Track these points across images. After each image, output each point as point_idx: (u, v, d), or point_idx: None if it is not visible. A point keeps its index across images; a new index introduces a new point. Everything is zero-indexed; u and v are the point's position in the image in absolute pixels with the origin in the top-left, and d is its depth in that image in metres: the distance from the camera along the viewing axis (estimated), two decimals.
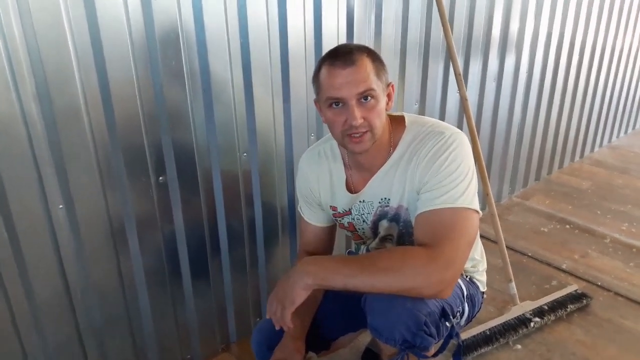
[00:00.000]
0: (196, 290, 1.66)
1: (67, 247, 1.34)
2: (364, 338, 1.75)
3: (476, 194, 1.13)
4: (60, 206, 1.29)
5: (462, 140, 1.14)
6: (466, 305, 1.28)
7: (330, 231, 1.44)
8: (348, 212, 1.31)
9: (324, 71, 1.11)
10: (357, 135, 1.10)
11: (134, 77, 1.31)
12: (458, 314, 1.23)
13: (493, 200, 1.92)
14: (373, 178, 1.23)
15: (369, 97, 1.09)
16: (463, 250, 1.06)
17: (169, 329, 1.64)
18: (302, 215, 1.42)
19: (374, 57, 1.12)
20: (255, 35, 1.51)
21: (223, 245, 1.68)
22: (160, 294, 1.57)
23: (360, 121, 1.08)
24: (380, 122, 1.12)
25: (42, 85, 1.18)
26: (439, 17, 1.93)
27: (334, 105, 1.11)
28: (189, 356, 1.73)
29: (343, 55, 1.08)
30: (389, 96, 1.16)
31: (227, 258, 1.71)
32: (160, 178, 1.45)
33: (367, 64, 1.08)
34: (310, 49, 1.67)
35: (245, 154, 1.61)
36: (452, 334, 1.16)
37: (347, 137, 1.12)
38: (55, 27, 1.15)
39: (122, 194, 1.39)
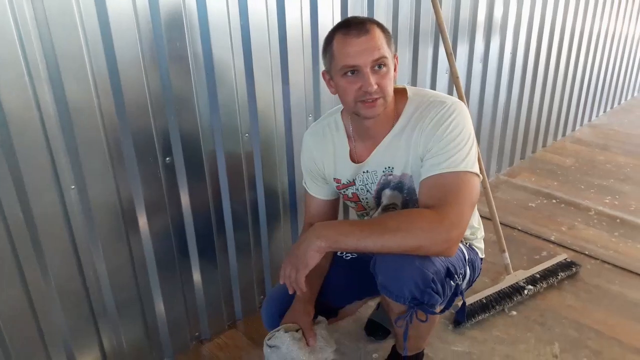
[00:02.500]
0: (203, 271, 1.70)
1: (79, 229, 1.38)
2: (367, 310, 1.82)
3: (476, 159, 1.20)
4: (73, 187, 1.33)
5: (462, 108, 1.21)
6: (467, 268, 1.34)
7: (334, 204, 1.49)
8: (352, 183, 1.37)
9: (337, 41, 1.15)
10: (370, 100, 1.16)
11: (141, 60, 1.35)
12: (461, 275, 1.29)
13: (485, 175, 2.00)
14: (377, 147, 1.29)
15: (382, 65, 1.15)
16: (467, 211, 1.12)
17: (178, 308, 1.68)
18: (307, 189, 1.48)
19: (383, 28, 1.18)
20: (255, 19, 1.56)
21: (228, 225, 1.73)
22: (170, 274, 1.61)
23: (375, 87, 1.14)
24: (391, 89, 1.19)
25: (54, 69, 1.21)
26: (428, 1, 2.00)
27: (349, 74, 1.16)
28: (197, 334, 1.78)
29: (356, 25, 1.14)
30: (394, 67, 1.21)
31: (232, 239, 1.75)
32: (167, 159, 1.49)
33: (379, 34, 1.14)
34: (307, 33, 1.72)
35: (247, 135, 1.66)
36: (457, 291, 1.23)
37: (359, 103, 1.17)
38: (65, 12, 1.19)
39: (132, 174, 1.43)
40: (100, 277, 1.46)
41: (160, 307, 1.63)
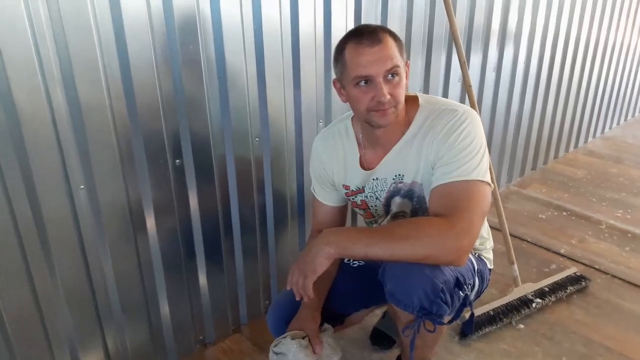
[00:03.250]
0: (210, 274, 1.70)
1: (88, 229, 1.38)
2: (372, 319, 1.81)
3: (488, 168, 1.18)
4: (82, 187, 1.33)
5: (475, 117, 1.20)
6: (476, 279, 1.33)
7: (342, 211, 1.49)
8: (361, 190, 1.36)
9: (350, 50, 1.15)
10: (383, 109, 1.15)
11: (154, 63, 1.35)
12: (469, 286, 1.28)
13: (496, 186, 1.98)
14: (387, 155, 1.28)
15: (395, 74, 1.14)
16: (477, 220, 1.11)
17: (184, 311, 1.68)
18: (315, 195, 1.47)
19: (395, 36, 1.17)
20: (268, 24, 1.56)
21: (235, 229, 1.73)
22: (176, 276, 1.61)
23: (388, 97, 1.13)
24: (403, 97, 1.18)
25: (67, 70, 1.22)
26: (441, 9, 1.99)
27: (361, 84, 1.15)
28: (201, 337, 1.78)
29: (369, 34, 1.13)
30: (406, 75, 1.20)
31: (239, 243, 1.75)
32: (177, 161, 1.49)
33: (391, 42, 1.14)
34: (320, 39, 1.72)
35: (257, 139, 1.66)
36: (466, 302, 1.21)
37: (372, 113, 1.17)
38: (80, 13, 1.19)
39: (141, 176, 1.43)
40: (107, 278, 1.46)
41: (165, 309, 1.63)
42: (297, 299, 1.18)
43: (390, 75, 1.14)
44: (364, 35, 1.13)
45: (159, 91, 1.38)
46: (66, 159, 1.28)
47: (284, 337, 1.25)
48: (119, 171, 1.38)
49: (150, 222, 1.49)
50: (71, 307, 1.41)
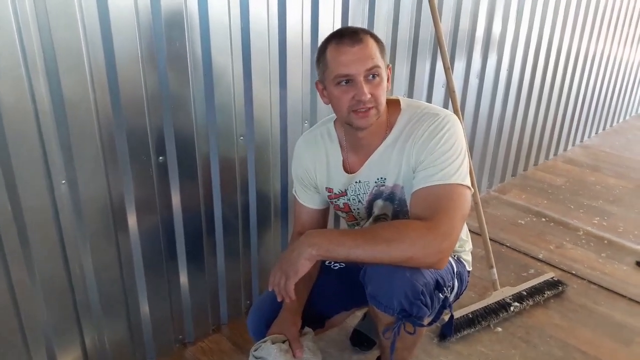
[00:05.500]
0: (190, 273, 1.69)
1: (68, 224, 1.36)
2: (353, 320, 1.81)
3: (468, 172, 1.20)
4: (63, 181, 1.31)
5: (455, 121, 1.21)
6: (456, 281, 1.34)
7: (324, 213, 1.49)
8: (344, 193, 1.36)
9: (331, 50, 1.16)
10: (364, 110, 1.16)
11: (140, 58, 1.34)
12: (449, 288, 1.29)
13: (477, 190, 2.00)
14: (370, 158, 1.29)
15: (375, 75, 1.15)
16: (458, 223, 1.12)
17: (163, 310, 1.66)
18: (297, 197, 1.47)
19: (376, 38, 1.18)
20: (255, 22, 1.56)
21: (218, 228, 1.72)
22: (156, 274, 1.60)
23: (368, 96, 1.14)
24: (384, 98, 1.19)
25: (51, 62, 1.20)
26: (427, 14, 2.01)
27: (342, 83, 1.16)
28: (181, 336, 1.76)
29: (350, 35, 1.14)
30: (387, 78, 1.21)
31: (222, 242, 1.74)
32: (160, 158, 1.48)
33: (372, 43, 1.15)
34: (307, 39, 1.72)
35: (242, 138, 1.65)
36: (446, 304, 1.23)
37: (352, 113, 1.18)
38: (66, 5, 1.18)
39: (124, 172, 1.41)
40: (86, 274, 1.44)
41: (145, 307, 1.61)
42: (279, 300, 1.18)
43: (371, 76, 1.15)
44: (345, 35, 1.15)
45: (144, 87, 1.37)
46: (48, 152, 1.26)
47: (264, 341, 1.25)
48: (101, 167, 1.36)
49: (132, 219, 1.48)
50: (49, 304, 1.38)
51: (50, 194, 1.30)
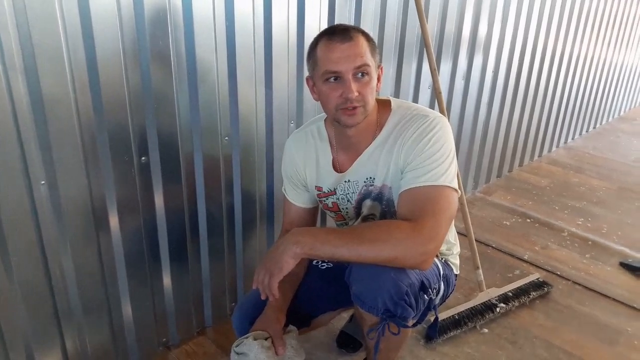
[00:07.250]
0: (174, 275, 1.66)
1: (48, 226, 1.33)
2: (339, 322, 1.80)
3: (456, 175, 1.19)
4: (43, 182, 1.28)
5: (445, 123, 1.21)
6: (442, 284, 1.34)
7: (313, 212, 1.48)
8: (333, 192, 1.35)
9: (321, 47, 1.15)
10: (351, 108, 1.15)
11: (122, 56, 1.31)
12: (435, 290, 1.28)
13: (463, 192, 2.00)
14: (359, 158, 1.28)
15: (364, 74, 1.15)
16: (444, 225, 1.12)
17: (147, 312, 1.64)
18: (286, 196, 1.46)
19: (368, 37, 1.17)
20: (240, 20, 1.54)
21: (202, 230, 1.69)
22: (139, 277, 1.57)
23: (356, 94, 1.13)
24: (372, 98, 1.18)
25: (30, 60, 1.17)
26: (414, 16, 2.01)
27: (331, 80, 1.15)
28: (164, 339, 1.73)
29: (341, 32, 1.14)
30: (378, 78, 1.21)
31: (206, 243, 1.72)
32: (143, 158, 1.45)
33: (362, 41, 1.14)
34: (293, 38, 1.71)
35: (227, 138, 1.63)
36: (431, 306, 1.22)
37: (340, 111, 1.17)
38: (45, 1, 1.15)
39: (105, 172, 1.39)
40: (66, 276, 1.41)
41: (127, 310, 1.58)
42: (263, 297, 1.17)
43: (360, 74, 1.14)
44: (336, 32, 1.15)
45: (126, 85, 1.35)
46: (26, 152, 1.23)
47: (246, 337, 1.23)
48: (82, 167, 1.33)
49: (114, 221, 1.45)
50: (28, 306, 1.35)
51: (29, 195, 1.27)
